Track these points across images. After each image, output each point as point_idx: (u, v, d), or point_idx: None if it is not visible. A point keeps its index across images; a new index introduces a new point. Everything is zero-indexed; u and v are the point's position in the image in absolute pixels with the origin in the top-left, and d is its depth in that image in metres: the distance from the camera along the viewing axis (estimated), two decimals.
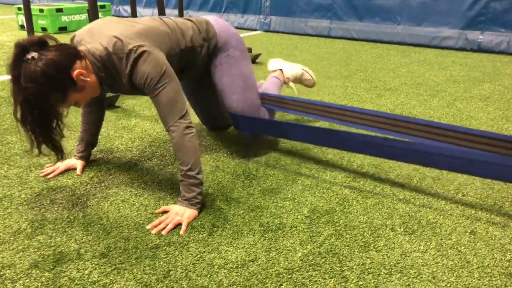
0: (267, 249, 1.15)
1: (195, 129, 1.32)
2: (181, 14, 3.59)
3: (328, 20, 4.62)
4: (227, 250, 1.14)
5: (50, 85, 1.18)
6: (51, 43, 1.23)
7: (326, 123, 2.04)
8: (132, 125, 2.08)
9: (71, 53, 1.24)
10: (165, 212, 1.30)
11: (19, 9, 5.02)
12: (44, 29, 5.01)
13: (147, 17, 1.50)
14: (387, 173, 1.58)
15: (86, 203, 1.38)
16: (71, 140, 1.88)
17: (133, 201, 1.39)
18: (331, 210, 1.34)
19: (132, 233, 1.22)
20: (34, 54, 1.16)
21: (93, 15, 2.47)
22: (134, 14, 3.20)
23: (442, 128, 1.39)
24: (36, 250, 1.15)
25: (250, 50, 3.42)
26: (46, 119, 1.22)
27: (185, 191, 1.29)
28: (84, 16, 5.21)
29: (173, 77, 1.30)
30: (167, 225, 1.23)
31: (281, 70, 2.01)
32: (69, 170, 1.61)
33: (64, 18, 5.06)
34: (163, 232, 1.21)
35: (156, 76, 1.26)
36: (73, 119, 2.12)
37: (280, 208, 1.35)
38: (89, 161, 1.67)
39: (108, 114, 2.21)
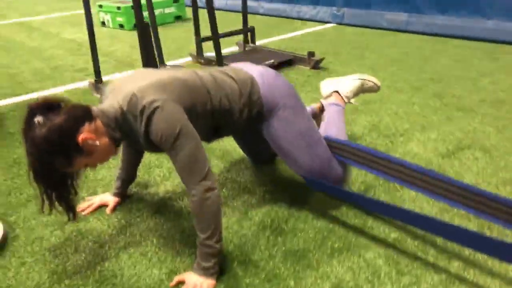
0: None
1: (217, 190, 1.22)
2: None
3: (406, 13, 4.20)
4: None
5: (52, 151, 1.14)
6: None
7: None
8: None
9: (79, 116, 1.18)
10: (180, 283, 1.23)
11: (100, 6, 5.27)
12: (121, 25, 5.22)
13: (187, 70, 1.39)
14: (436, 238, 1.37)
15: (106, 254, 1.38)
16: (104, 168, 1.91)
17: (151, 255, 1.36)
18: None
19: None
20: (40, 119, 1.12)
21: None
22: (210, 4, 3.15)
23: None
24: None
25: (313, 54, 3.23)
26: (57, 181, 1.21)
27: (202, 259, 1.22)
28: (158, 11, 5.33)
29: (191, 135, 1.20)
30: None
31: (336, 92, 1.78)
32: (103, 206, 1.63)
33: None
34: None
35: (171, 135, 1.17)
36: None
37: (300, 280, 1.23)
38: (125, 198, 1.67)
39: None
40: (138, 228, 1.50)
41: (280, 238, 1.41)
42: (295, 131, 1.42)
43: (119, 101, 1.23)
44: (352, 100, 1.80)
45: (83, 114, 1.20)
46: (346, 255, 1.32)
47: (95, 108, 1.25)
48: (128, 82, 1.29)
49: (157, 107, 1.17)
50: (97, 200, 1.63)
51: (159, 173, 1.85)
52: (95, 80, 2.96)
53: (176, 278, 1.24)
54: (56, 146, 1.14)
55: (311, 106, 2.02)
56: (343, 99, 1.77)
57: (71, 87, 3.17)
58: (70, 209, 1.28)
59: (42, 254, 1.40)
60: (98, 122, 1.23)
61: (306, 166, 1.44)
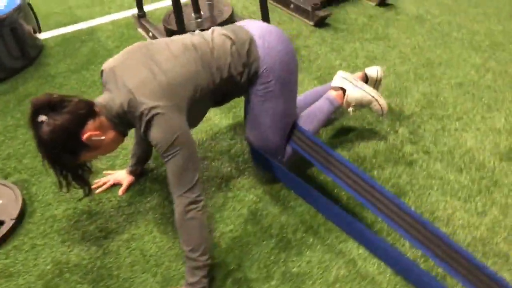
0: None
1: (202, 203, 1.18)
2: None
3: None
4: None
5: (59, 150, 1.14)
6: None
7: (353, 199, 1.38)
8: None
9: (82, 114, 1.15)
10: None
11: None
12: None
13: (182, 40, 1.28)
14: None
15: (109, 247, 1.39)
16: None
17: (150, 255, 1.35)
18: None
19: None
20: (44, 118, 1.11)
21: None
22: None
23: None
24: None
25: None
26: (70, 167, 1.21)
27: (189, 274, 1.19)
28: None
29: (186, 144, 1.16)
30: None
31: (343, 90, 1.59)
32: (117, 185, 1.61)
33: None
34: None
35: (166, 144, 1.14)
36: None
37: None
38: (139, 176, 1.63)
39: None
40: (145, 218, 1.47)
41: (284, 254, 1.31)
42: (270, 108, 1.37)
43: (120, 98, 1.18)
44: (350, 109, 1.62)
45: (86, 112, 1.17)
46: (351, 286, 1.20)
47: (98, 102, 1.21)
48: (127, 70, 1.20)
49: (155, 114, 1.13)
50: (111, 178, 1.62)
51: None
52: (138, 15, 2.81)
53: None
54: (61, 145, 1.14)
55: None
56: (342, 101, 1.60)
57: (117, 17, 3.06)
58: (85, 185, 1.28)
59: (51, 237, 1.44)
60: (102, 118, 1.19)
61: (255, 142, 1.44)
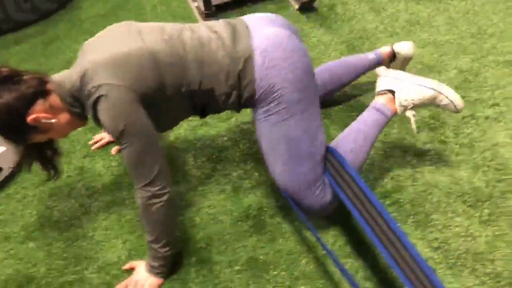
0: None
1: (166, 197, 1.08)
2: None
3: None
4: None
5: (3, 129, 1.06)
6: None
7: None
8: None
9: (30, 94, 1.03)
10: (131, 269, 1.21)
11: None
12: None
13: (172, 31, 1.10)
14: None
15: (90, 207, 1.41)
16: None
17: (126, 220, 1.35)
18: None
19: None
20: None
21: None
22: None
23: None
24: (16, 262, 1.28)
25: None
26: (25, 147, 1.15)
27: (150, 258, 1.16)
28: None
29: (137, 136, 1.03)
30: None
31: (392, 92, 1.25)
32: (112, 142, 1.61)
33: None
34: None
35: (114, 131, 1.02)
36: None
37: None
38: None
39: None
40: (130, 181, 1.46)
41: (255, 238, 1.25)
42: (280, 133, 1.11)
43: (77, 73, 1.05)
44: (409, 114, 1.25)
45: (35, 91, 1.04)
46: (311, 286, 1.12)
47: (54, 79, 1.09)
48: (98, 44, 1.08)
49: (101, 96, 1.00)
50: (106, 136, 1.61)
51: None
52: None
53: (129, 264, 1.22)
54: (6, 125, 1.05)
55: (376, 51, 1.57)
56: (394, 107, 1.25)
57: None
58: (49, 167, 1.23)
59: (42, 190, 1.49)
60: (54, 97, 1.07)
61: (280, 179, 1.15)
